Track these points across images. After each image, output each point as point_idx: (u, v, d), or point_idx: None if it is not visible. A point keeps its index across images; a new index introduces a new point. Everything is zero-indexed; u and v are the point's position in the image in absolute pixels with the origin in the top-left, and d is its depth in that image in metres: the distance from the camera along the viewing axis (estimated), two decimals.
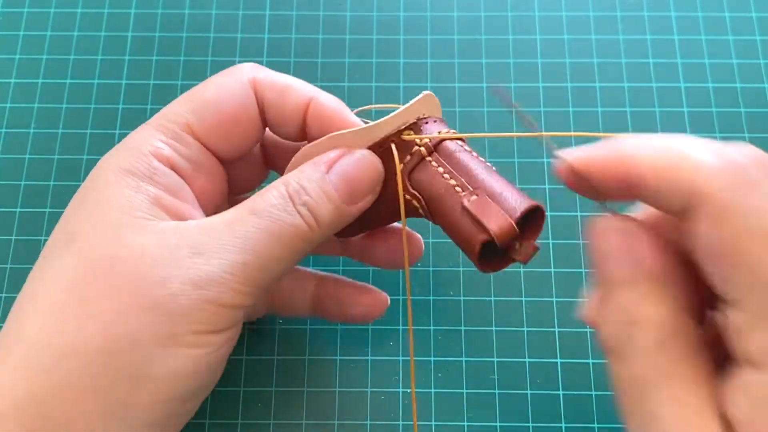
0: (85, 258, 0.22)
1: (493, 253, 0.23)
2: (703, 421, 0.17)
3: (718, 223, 0.17)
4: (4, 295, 0.32)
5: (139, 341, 0.21)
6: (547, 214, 0.33)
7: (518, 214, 0.23)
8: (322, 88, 0.36)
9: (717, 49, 0.37)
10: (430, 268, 0.33)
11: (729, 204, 0.17)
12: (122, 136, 0.34)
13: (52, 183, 0.34)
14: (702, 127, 0.35)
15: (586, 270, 0.33)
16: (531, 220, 0.23)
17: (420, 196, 0.25)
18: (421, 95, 0.26)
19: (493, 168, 0.25)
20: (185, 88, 0.36)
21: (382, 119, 0.25)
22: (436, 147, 0.25)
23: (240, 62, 0.37)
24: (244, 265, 0.22)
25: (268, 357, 0.31)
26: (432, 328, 0.32)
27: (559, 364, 0.31)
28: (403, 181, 0.25)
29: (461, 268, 0.33)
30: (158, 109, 0.35)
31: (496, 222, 0.23)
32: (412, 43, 0.37)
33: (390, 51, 0.37)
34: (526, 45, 0.37)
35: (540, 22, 0.38)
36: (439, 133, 0.25)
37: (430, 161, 0.25)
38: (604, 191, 0.20)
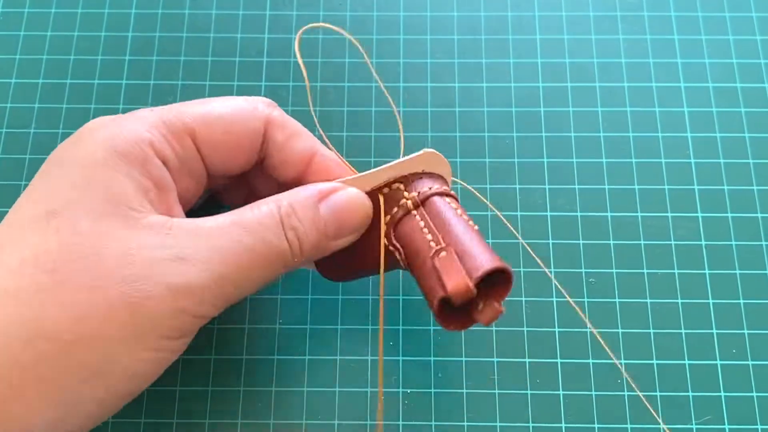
0: (69, 243, 0.21)
1: (457, 311, 0.24)
2: None
3: None
4: None
5: (107, 338, 0.21)
6: (548, 214, 0.34)
7: (478, 274, 0.22)
8: (323, 88, 0.37)
9: (717, 49, 0.37)
10: None
11: None
12: None
13: None
14: (702, 127, 0.35)
15: (586, 270, 0.33)
16: (499, 281, 0.23)
17: (400, 248, 0.25)
18: (420, 152, 0.26)
19: (476, 227, 0.25)
20: (185, 88, 0.36)
21: (377, 168, 0.26)
22: (423, 202, 0.26)
23: (240, 62, 0.37)
24: (222, 278, 0.22)
25: (267, 357, 0.31)
26: (432, 328, 0.32)
27: (559, 364, 0.31)
28: (387, 232, 0.26)
29: None
30: None
31: (455, 280, 0.23)
32: (412, 43, 0.37)
33: (390, 51, 0.37)
34: (526, 45, 0.37)
35: (540, 22, 0.38)
36: (429, 189, 0.26)
37: (415, 215, 0.26)
38: None
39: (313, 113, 0.31)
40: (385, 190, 0.26)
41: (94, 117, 0.35)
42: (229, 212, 0.24)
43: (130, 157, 0.23)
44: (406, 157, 0.26)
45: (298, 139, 0.27)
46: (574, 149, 0.35)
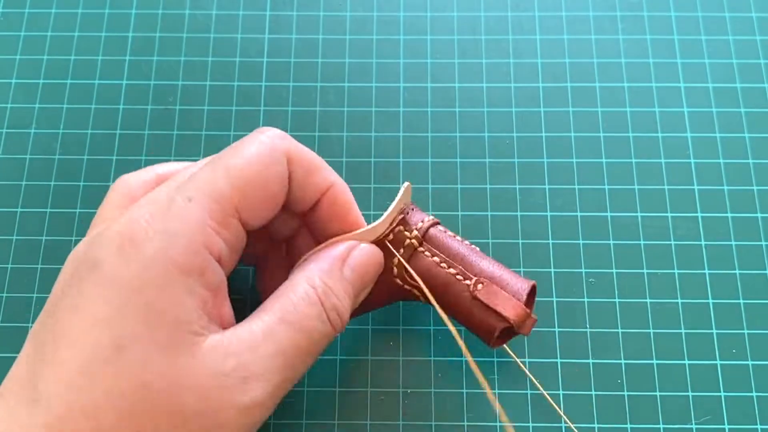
0: (139, 384, 0.20)
1: (503, 332, 0.26)
2: None
3: None
4: (5, 295, 0.32)
5: None
6: (548, 214, 0.34)
7: (524, 297, 0.26)
8: (323, 88, 0.37)
9: (717, 49, 0.37)
10: None
11: None
12: (123, 136, 0.35)
13: (52, 183, 0.34)
14: (702, 127, 0.35)
15: (586, 270, 0.33)
16: (529, 295, 0.27)
17: (421, 286, 0.27)
18: (403, 188, 0.27)
19: (477, 248, 0.28)
20: (185, 89, 0.36)
21: (378, 222, 0.27)
22: (424, 236, 0.27)
23: (240, 62, 0.37)
24: (284, 382, 0.23)
25: None
26: (432, 328, 0.32)
27: (559, 364, 0.31)
28: (400, 274, 0.27)
29: None
30: (158, 110, 0.36)
31: (513, 310, 0.25)
32: (412, 43, 0.37)
33: (390, 51, 0.37)
34: (526, 45, 0.37)
35: (540, 22, 0.38)
36: (423, 222, 0.28)
37: (423, 251, 0.27)
38: None
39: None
40: (390, 236, 0.27)
41: (94, 117, 0.36)
42: (270, 304, 0.24)
43: (192, 271, 0.21)
44: (397, 198, 0.27)
45: (317, 172, 0.26)
46: (574, 149, 0.35)
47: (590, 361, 0.31)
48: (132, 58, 0.37)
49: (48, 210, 0.34)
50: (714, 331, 0.32)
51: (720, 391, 0.31)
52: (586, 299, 0.32)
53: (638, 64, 0.37)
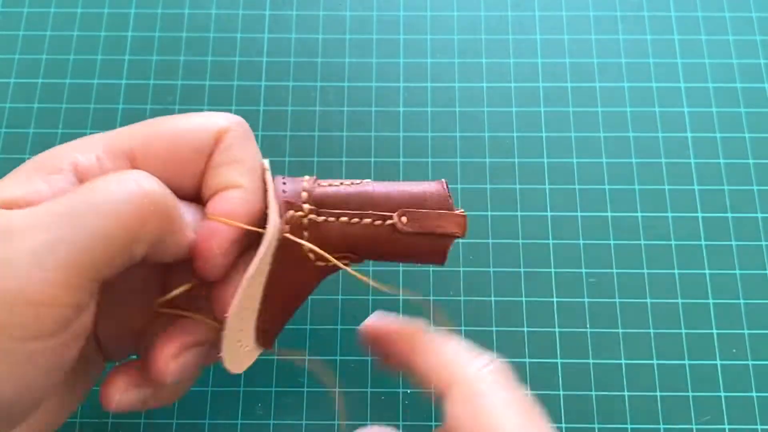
0: None
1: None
2: None
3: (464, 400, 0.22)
4: None
5: None
6: (548, 214, 0.34)
7: (451, 203, 0.24)
8: (323, 88, 0.37)
9: (717, 48, 0.37)
10: (430, 269, 0.33)
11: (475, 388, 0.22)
12: None
13: None
14: (702, 127, 0.35)
15: (586, 270, 0.33)
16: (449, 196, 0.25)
17: (352, 254, 0.24)
18: (267, 172, 0.24)
19: (364, 180, 0.25)
20: (185, 89, 0.36)
21: (267, 228, 0.23)
22: (317, 203, 0.24)
23: (239, 62, 0.37)
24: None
25: (267, 357, 0.31)
26: (432, 328, 0.32)
27: (559, 364, 0.31)
28: (318, 255, 0.24)
29: (461, 268, 0.33)
30: (158, 110, 0.36)
31: (454, 224, 0.24)
32: (412, 43, 0.37)
33: (390, 51, 0.37)
34: (526, 45, 0.37)
35: (540, 22, 0.38)
36: (305, 189, 0.24)
37: (324, 219, 0.24)
38: (387, 355, 0.25)
39: None
40: (287, 228, 0.23)
41: (93, 117, 0.36)
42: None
43: (41, 167, 0.22)
44: (270, 190, 0.24)
45: (227, 169, 0.23)
46: (574, 149, 0.35)
47: (590, 361, 0.31)
48: (131, 58, 0.37)
49: None
50: (714, 331, 0.32)
51: (720, 391, 0.31)
52: (586, 299, 0.32)
53: (638, 64, 0.37)
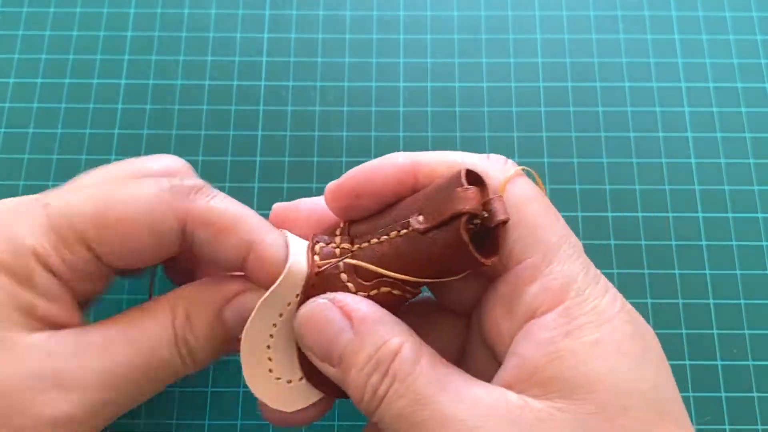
0: None
1: (480, 242, 0.22)
2: (489, 393, 0.20)
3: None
4: None
5: None
6: None
7: (464, 179, 0.21)
8: (323, 88, 0.37)
9: (718, 48, 0.37)
10: None
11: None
12: (121, 136, 0.35)
13: (50, 183, 0.34)
14: (702, 127, 0.35)
15: None
16: (476, 182, 0.22)
17: (392, 279, 0.23)
18: (284, 273, 0.23)
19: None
20: (184, 88, 0.36)
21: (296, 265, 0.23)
22: (350, 233, 0.24)
23: (240, 62, 0.37)
24: (106, 404, 0.21)
25: None
26: None
27: None
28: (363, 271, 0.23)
29: None
30: (157, 109, 0.35)
31: (465, 200, 0.21)
32: (412, 43, 0.37)
33: (390, 51, 0.37)
34: (526, 45, 0.37)
35: (540, 21, 0.37)
36: (337, 233, 0.24)
37: (359, 245, 0.23)
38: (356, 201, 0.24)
39: None
40: (322, 268, 0.23)
41: (92, 117, 0.36)
42: (120, 319, 0.22)
43: (14, 271, 0.21)
44: (292, 252, 0.23)
45: (228, 236, 0.23)
46: (575, 149, 0.35)
47: None
48: (131, 58, 0.37)
49: None
50: (714, 331, 0.32)
51: (720, 392, 0.31)
52: None
53: (639, 64, 0.36)
